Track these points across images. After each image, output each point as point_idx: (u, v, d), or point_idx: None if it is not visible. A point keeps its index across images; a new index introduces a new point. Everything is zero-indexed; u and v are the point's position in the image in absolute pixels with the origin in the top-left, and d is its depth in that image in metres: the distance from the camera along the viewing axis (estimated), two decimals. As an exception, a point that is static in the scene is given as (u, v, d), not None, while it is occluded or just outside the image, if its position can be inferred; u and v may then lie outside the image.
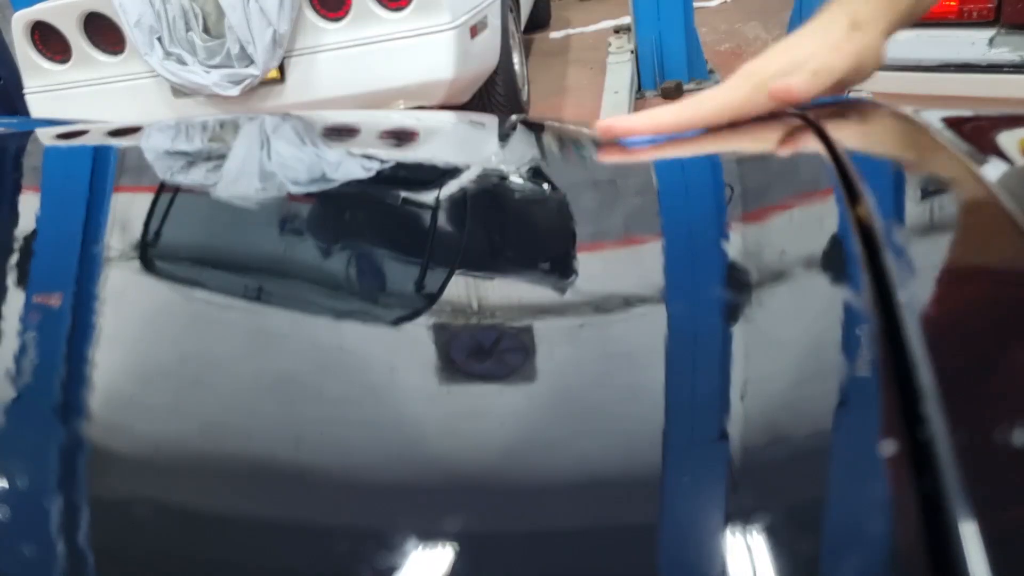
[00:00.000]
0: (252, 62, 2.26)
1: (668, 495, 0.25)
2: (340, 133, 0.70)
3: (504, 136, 0.67)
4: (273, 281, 0.43)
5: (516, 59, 2.96)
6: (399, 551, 0.23)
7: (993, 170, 0.40)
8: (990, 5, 1.67)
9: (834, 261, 0.36)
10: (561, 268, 0.42)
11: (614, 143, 0.51)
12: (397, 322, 0.38)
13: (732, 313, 0.34)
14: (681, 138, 0.51)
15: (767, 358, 0.31)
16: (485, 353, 0.34)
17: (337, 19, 2.31)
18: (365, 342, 0.36)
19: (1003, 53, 1.64)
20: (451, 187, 0.52)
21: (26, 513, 0.26)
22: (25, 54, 2.47)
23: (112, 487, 0.28)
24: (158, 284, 0.44)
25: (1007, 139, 0.46)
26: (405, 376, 0.33)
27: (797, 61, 0.46)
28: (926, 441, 0.23)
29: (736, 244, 0.40)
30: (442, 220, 0.48)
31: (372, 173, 0.56)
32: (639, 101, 3.06)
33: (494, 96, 2.75)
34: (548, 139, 0.67)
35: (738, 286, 0.36)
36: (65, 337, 0.37)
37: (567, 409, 0.30)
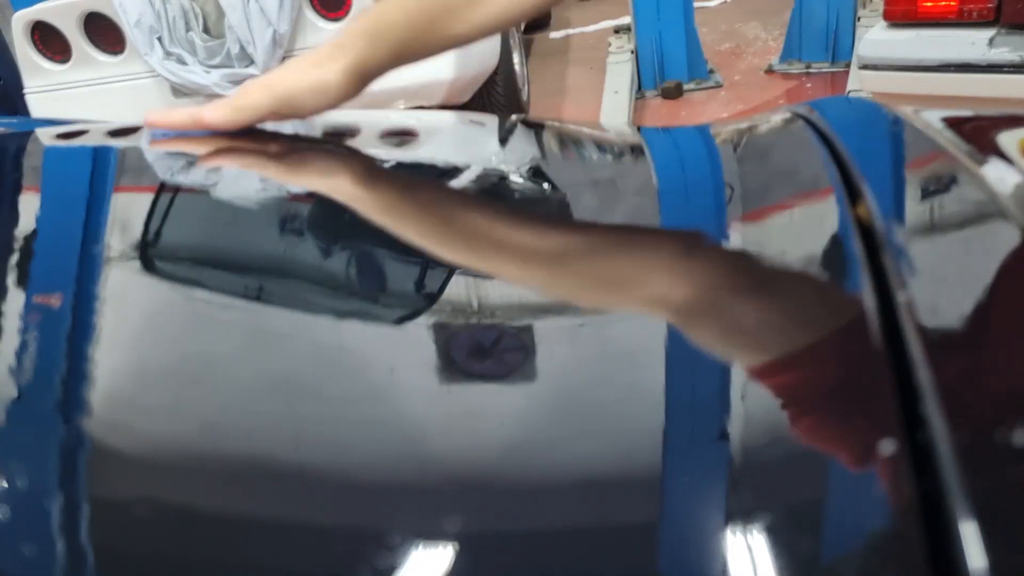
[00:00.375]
0: (252, 62, 2.25)
1: (668, 495, 0.25)
2: (340, 133, 0.70)
3: (504, 136, 0.67)
4: (273, 281, 0.43)
5: (516, 59, 2.95)
6: (399, 551, 0.23)
7: (993, 170, 0.40)
8: (990, 5, 1.67)
9: (834, 261, 0.36)
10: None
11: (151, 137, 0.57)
12: (397, 322, 0.38)
13: (732, 311, 0.34)
14: (682, 136, 0.51)
15: (767, 357, 0.31)
16: (485, 353, 0.34)
17: (337, 19, 2.31)
18: (365, 342, 0.36)
19: (1003, 53, 1.64)
20: (451, 187, 0.52)
21: (27, 513, 0.26)
22: (25, 54, 2.47)
23: (113, 487, 0.28)
24: (158, 284, 0.44)
25: (1007, 139, 0.46)
26: (405, 376, 0.33)
27: (277, 80, 0.55)
28: (926, 441, 0.23)
29: (735, 244, 0.40)
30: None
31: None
32: (639, 101, 3.06)
33: (494, 96, 2.75)
34: (548, 139, 0.67)
35: (737, 284, 0.36)
36: (65, 337, 0.37)
37: (567, 408, 0.29)
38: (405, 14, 0.54)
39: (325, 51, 0.53)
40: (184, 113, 0.56)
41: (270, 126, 0.61)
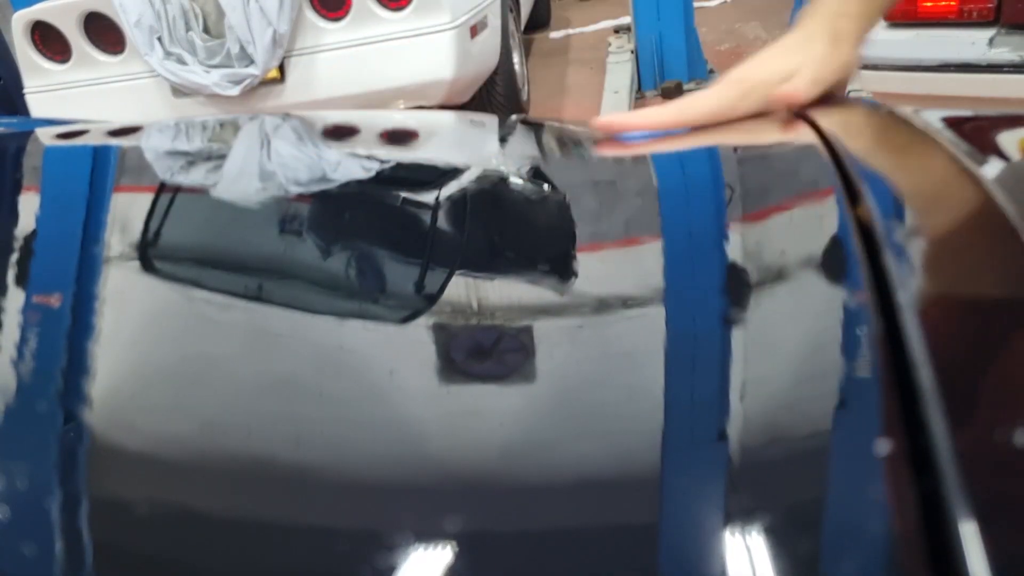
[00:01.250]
0: (252, 62, 2.25)
1: (668, 495, 0.25)
2: (340, 133, 0.70)
3: (504, 136, 0.67)
4: (273, 281, 0.43)
5: (516, 59, 2.95)
6: (399, 551, 0.23)
7: (993, 170, 0.40)
8: (990, 5, 1.67)
9: (834, 261, 0.36)
10: (561, 268, 0.42)
11: (611, 139, 0.53)
12: (397, 322, 0.38)
13: (732, 314, 0.34)
14: (682, 138, 0.51)
15: (767, 358, 0.31)
16: (485, 353, 0.34)
17: (337, 19, 2.31)
18: (365, 342, 0.36)
19: (1003, 53, 1.64)
20: (451, 187, 0.52)
21: (28, 513, 0.26)
22: (25, 54, 2.47)
23: (113, 487, 0.28)
24: (158, 284, 0.44)
25: (1007, 139, 0.46)
26: (405, 376, 0.33)
27: (788, 70, 0.49)
28: (926, 441, 0.23)
29: (736, 244, 0.40)
30: (442, 220, 0.48)
31: (372, 173, 0.56)
32: (639, 101, 3.06)
33: (494, 96, 2.75)
34: (548, 139, 0.67)
35: (738, 286, 0.36)
36: (65, 337, 0.37)
37: (567, 409, 0.30)
38: None
39: (822, 35, 0.50)
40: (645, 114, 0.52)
41: (270, 126, 0.61)
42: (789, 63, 0.49)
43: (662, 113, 0.51)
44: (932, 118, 0.47)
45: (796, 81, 0.48)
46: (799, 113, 0.49)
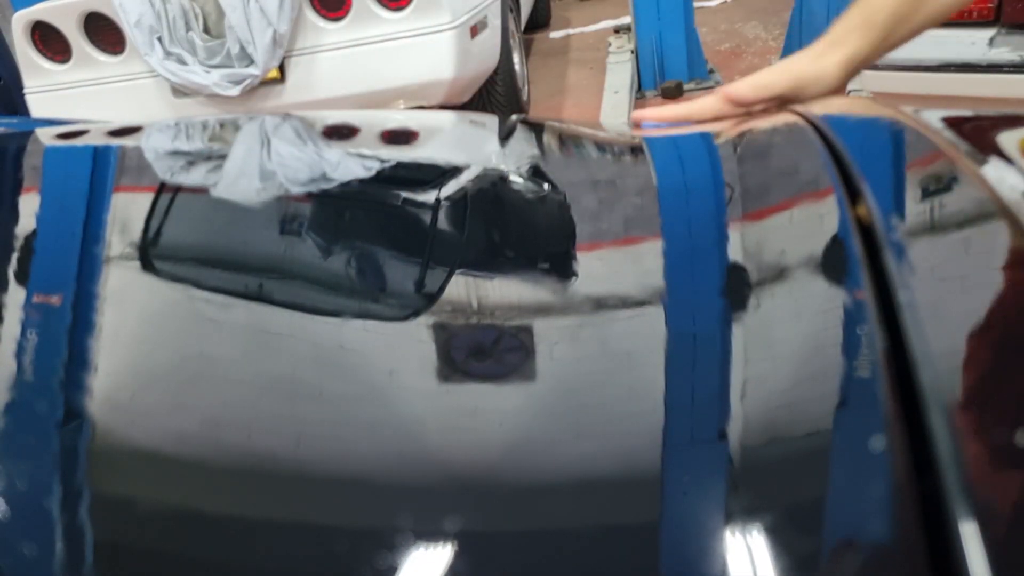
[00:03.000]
0: (252, 62, 2.25)
1: (668, 495, 0.25)
2: (340, 133, 0.70)
3: (504, 136, 0.67)
4: (273, 281, 0.43)
5: (516, 59, 2.95)
6: (399, 550, 0.23)
7: (993, 170, 0.40)
8: (990, 5, 1.67)
9: (834, 261, 0.35)
10: (561, 267, 0.42)
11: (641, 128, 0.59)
12: (397, 322, 0.38)
13: (732, 313, 0.34)
14: (682, 137, 0.51)
15: (767, 358, 0.31)
16: (485, 353, 0.34)
17: (337, 19, 2.31)
18: (365, 342, 0.36)
19: (1003, 53, 1.64)
20: (451, 187, 0.52)
21: (28, 512, 0.26)
22: (25, 54, 2.47)
23: (114, 486, 0.28)
24: (158, 284, 0.44)
25: (1007, 139, 0.46)
26: (405, 375, 0.33)
27: (791, 67, 0.57)
28: (926, 441, 0.23)
29: (736, 244, 0.40)
30: (442, 220, 0.48)
31: (372, 173, 0.56)
32: (639, 101, 3.06)
33: (494, 96, 2.75)
34: (548, 139, 0.67)
35: (738, 286, 0.36)
36: (65, 337, 0.37)
37: (567, 408, 0.29)
38: (891, 2, 0.56)
39: (821, 46, 0.57)
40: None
41: (270, 126, 0.60)
42: (771, 68, 0.58)
43: (680, 109, 0.58)
44: (932, 118, 0.47)
45: (739, 86, 0.56)
46: (800, 113, 0.49)
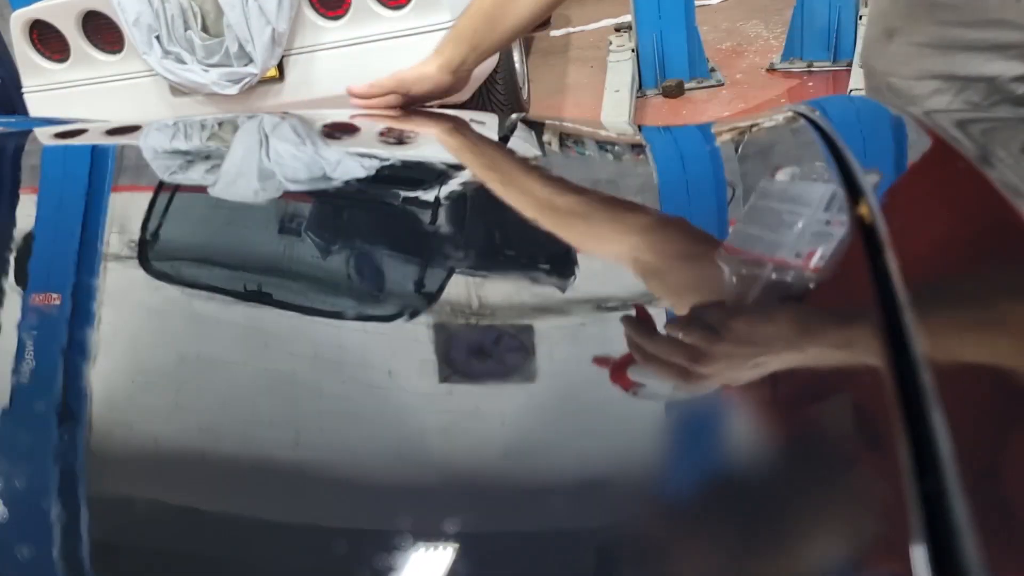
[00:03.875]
0: (251, 61, 2.25)
1: (668, 495, 0.25)
2: (339, 132, 0.70)
3: (504, 135, 0.67)
4: (271, 280, 0.43)
5: (516, 57, 2.95)
6: (399, 550, 0.23)
7: (993, 169, 0.39)
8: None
9: (834, 260, 0.35)
10: (560, 266, 0.41)
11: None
12: (395, 321, 0.38)
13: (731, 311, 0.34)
14: (683, 136, 0.50)
15: (767, 357, 0.31)
16: (484, 353, 0.34)
17: (336, 17, 2.30)
18: (364, 341, 0.36)
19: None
20: (450, 186, 0.52)
21: (28, 511, 0.26)
22: (24, 53, 2.47)
23: (111, 484, 0.28)
24: (157, 283, 0.44)
25: (1008, 139, 0.46)
26: (404, 375, 0.33)
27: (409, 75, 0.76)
28: (926, 441, 0.23)
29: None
30: (440, 219, 0.48)
31: (371, 173, 0.56)
32: (640, 100, 3.06)
33: (494, 95, 2.75)
34: (548, 138, 0.67)
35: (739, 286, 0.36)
36: (64, 335, 0.37)
37: (567, 409, 0.29)
38: (472, 18, 0.76)
39: (432, 54, 0.76)
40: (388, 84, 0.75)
41: (269, 125, 0.60)
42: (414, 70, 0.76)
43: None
44: (932, 118, 0.47)
45: (385, 79, 0.75)
46: (801, 112, 0.49)
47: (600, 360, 0.31)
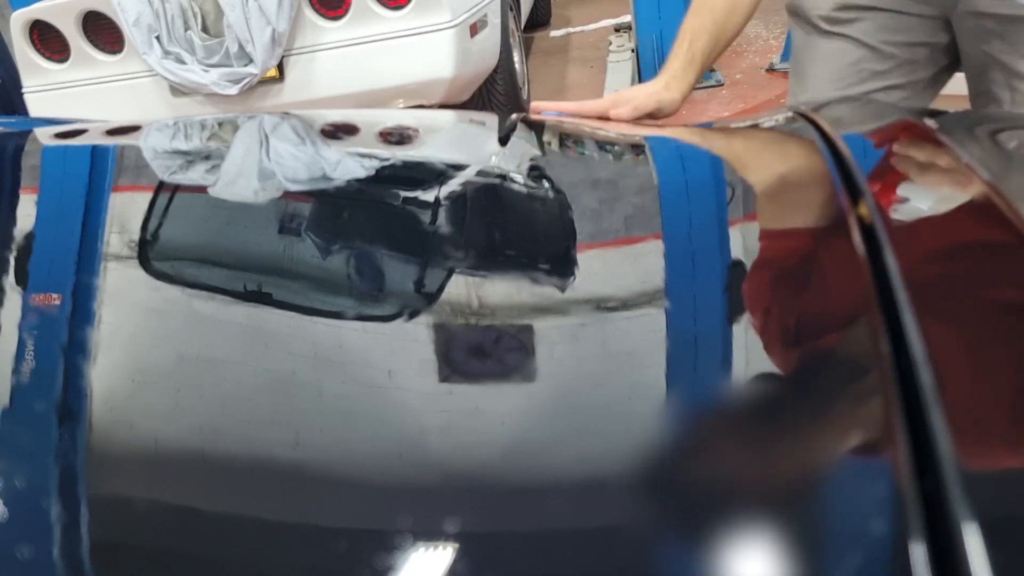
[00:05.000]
0: (251, 61, 2.25)
1: (669, 495, 0.25)
2: (339, 132, 0.70)
3: (504, 135, 0.67)
4: (271, 280, 0.43)
5: (516, 58, 2.95)
6: (399, 550, 0.23)
7: (993, 170, 0.39)
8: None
9: (835, 260, 0.35)
10: (561, 266, 0.41)
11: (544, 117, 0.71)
12: (396, 321, 0.38)
13: (732, 311, 0.34)
14: (684, 134, 0.50)
15: (767, 357, 0.31)
16: (485, 353, 0.34)
17: (336, 18, 2.30)
18: (364, 341, 0.36)
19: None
20: (451, 186, 0.52)
21: (29, 512, 0.26)
22: (24, 53, 2.47)
23: (111, 484, 0.28)
24: (157, 283, 0.44)
25: (1007, 139, 0.46)
26: (404, 376, 0.33)
27: (628, 97, 0.76)
28: (926, 441, 0.23)
29: (737, 242, 0.40)
30: (441, 219, 0.48)
31: (371, 173, 0.56)
32: (639, 99, 3.06)
33: (494, 95, 2.75)
34: (548, 138, 0.67)
35: (738, 284, 0.36)
36: (64, 335, 0.37)
37: (567, 409, 0.29)
38: (705, 43, 0.79)
39: (666, 78, 0.79)
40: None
41: (269, 125, 0.60)
42: (633, 94, 0.77)
43: (582, 105, 0.75)
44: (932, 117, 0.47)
45: (622, 108, 0.74)
46: (802, 112, 0.49)
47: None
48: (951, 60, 0.85)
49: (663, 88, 0.77)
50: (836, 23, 0.84)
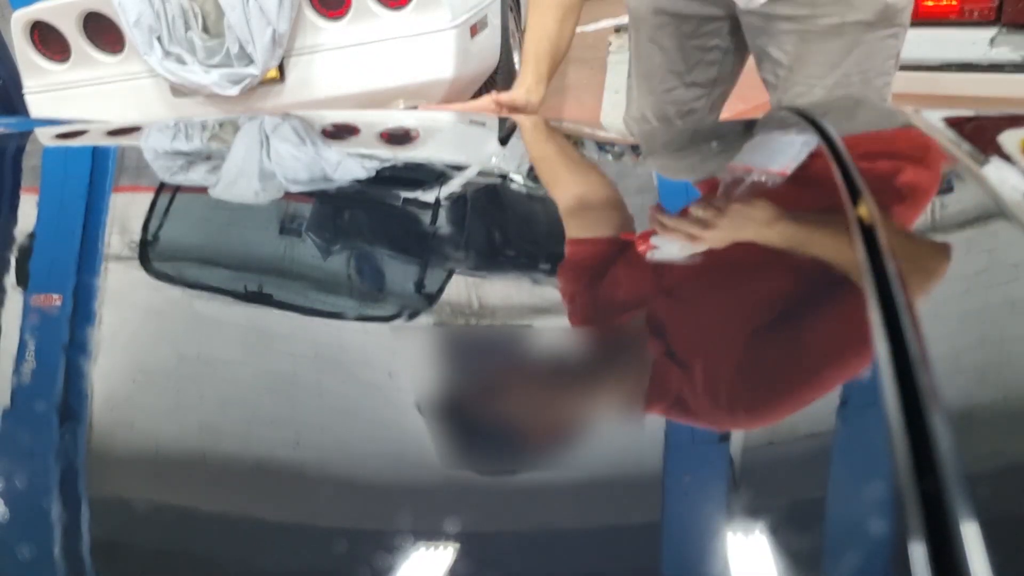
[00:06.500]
0: (251, 61, 2.25)
1: (669, 495, 0.25)
2: (340, 133, 0.70)
3: (504, 136, 0.67)
4: (272, 280, 0.43)
5: (516, 58, 2.95)
6: (399, 549, 0.23)
7: (994, 170, 0.39)
8: (991, 5, 1.67)
9: (835, 260, 0.35)
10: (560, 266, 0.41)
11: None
12: (395, 321, 0.38)
13: (732, 310, 0.34)
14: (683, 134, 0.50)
15: (768, 357, 0.31)
16: (484, 352, 0.34)
17: (337, 18, 2.30)
18: (364, 341, 0.36)
19: (1004, 53, 1.64)
20: (450, 187, 0.52)
21: (30, 512, 0.26)
22: (24, 54, 2.47)
23: (111, 484, 0.28)
24: (158, 284, 0.44)
25: (1007, 139, 0.46)
26: (404, 376, 0.33)
27: (504, 98, 0.90)
28: (926, 441, 0.23)
29: (736, 242, 0.40)
30: (441, 220, 0.48)
31: (372, 173, 0.56)
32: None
33: (494, 95, 2.75)
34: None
35: (736, 284, 0.36)
36: (65, 335, 0.37)
37: (566, 408, 0.29)
38: (548, 56, 0.94)
39: (531, 82, 0.92)
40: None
41: (270, 126, 0.60)
42: (512, 94, 0.90)
43: (458, 106, 0.87)
44: (932, 118, 0.47)
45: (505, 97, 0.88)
46: (802, 112, 0.50)
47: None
48: (741, 58, 1.03)
49: (532, 92, 0.94)
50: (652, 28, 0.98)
